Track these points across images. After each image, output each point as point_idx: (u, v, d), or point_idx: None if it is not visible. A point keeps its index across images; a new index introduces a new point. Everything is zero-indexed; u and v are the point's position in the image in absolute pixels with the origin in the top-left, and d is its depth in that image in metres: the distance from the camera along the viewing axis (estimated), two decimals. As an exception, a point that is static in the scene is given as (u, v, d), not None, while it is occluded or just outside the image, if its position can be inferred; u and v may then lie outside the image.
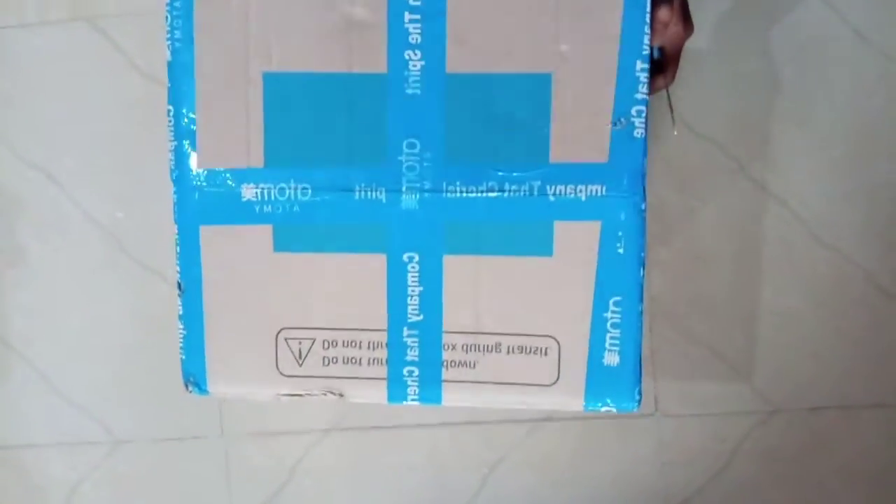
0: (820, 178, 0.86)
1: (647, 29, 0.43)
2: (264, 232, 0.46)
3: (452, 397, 0.46)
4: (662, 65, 0.49)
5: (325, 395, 0.47)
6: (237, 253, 0.46)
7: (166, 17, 0.46)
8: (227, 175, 0.46)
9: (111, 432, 0.91)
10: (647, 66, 0.43)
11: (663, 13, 0.46)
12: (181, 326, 0.47)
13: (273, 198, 0.45)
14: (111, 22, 0.84)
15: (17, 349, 0.90)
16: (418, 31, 0.43)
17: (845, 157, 0.86)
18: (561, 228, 0.44)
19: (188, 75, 0.46)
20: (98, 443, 0.91)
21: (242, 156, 0.45)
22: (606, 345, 0.44)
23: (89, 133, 0.87)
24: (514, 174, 0.44)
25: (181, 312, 0.47)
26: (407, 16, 0.43)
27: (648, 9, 0.43)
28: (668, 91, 0.53)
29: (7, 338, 0.90)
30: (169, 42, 0.47)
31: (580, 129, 0.44)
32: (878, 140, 0.85)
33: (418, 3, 0.43)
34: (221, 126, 0.46)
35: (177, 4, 0.46)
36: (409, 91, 0.44)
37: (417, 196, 0.44)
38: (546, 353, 0.45)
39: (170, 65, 0.47)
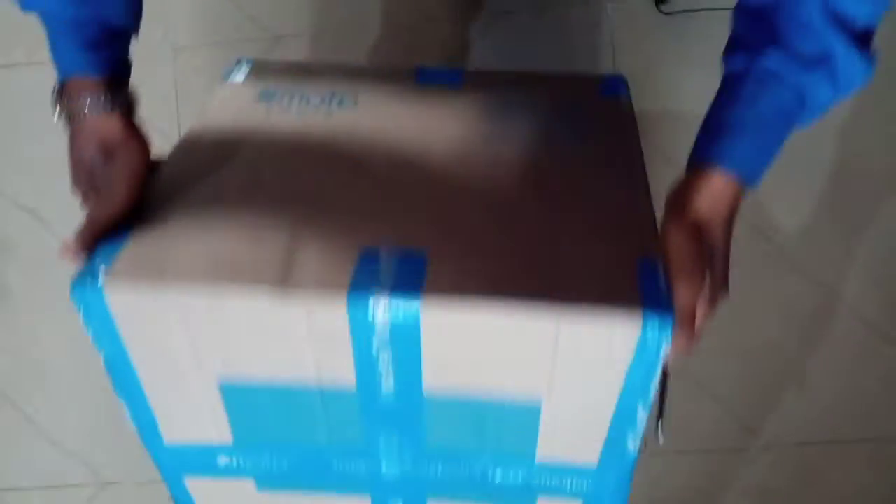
0: (804, 214, 0.87)
1: (656, 383, 0.37)
2: (246, 482, 0.46)
3: None
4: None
5: None
6: (224, 493, 0.47)
7: (85, 325, 0.37)
8: (198, 447, 0.44)
9: (97, 474, 0.89)
10: (647, 411, 0.38)
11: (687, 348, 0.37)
12: None
13: (249, 465, 0.44)
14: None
15: (1, 389, 0.89)
16: (388, 354, 0.37)
17: (829, 193, 0.87)
18: (544, 501, 0.45)
19: (129, 372, 0.40)
20: (83, 485, 0.89)
21: (210, 435, 0.43)
22: None
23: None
24: (498, 470, 0.43)
25: None
26: (375, 343, 0.36)
27: (659, 369, 0.36)
28: (665, 386, 0.41)
29: (-9, 379, 0.89)
30: (98, 348, 0.39)
31: (569, 445, 0.41)
32: (862, 176, 0.87)
33: (386, 339, 0.36)
34: (180, 416, 0.42)
35: (95, 326, 0.37)
36: (383, 407, 0.39)
37: (398, 472, 0.44)
38: None
39: (105, 361, 0.39)
